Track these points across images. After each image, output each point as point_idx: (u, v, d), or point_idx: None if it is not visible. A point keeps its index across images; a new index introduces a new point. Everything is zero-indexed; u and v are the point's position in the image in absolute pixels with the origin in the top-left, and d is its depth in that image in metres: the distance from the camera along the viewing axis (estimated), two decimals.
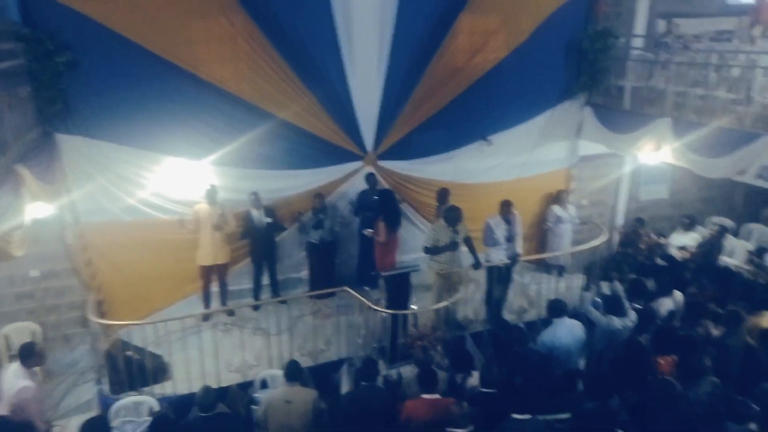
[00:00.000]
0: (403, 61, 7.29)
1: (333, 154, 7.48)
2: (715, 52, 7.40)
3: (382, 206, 7.19)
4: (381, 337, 6.19)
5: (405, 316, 6.02)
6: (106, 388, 5.73)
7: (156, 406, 5.16)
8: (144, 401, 5.22)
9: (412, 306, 6.31)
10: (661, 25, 8.87)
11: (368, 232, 7.29)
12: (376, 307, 5.96)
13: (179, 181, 6.84)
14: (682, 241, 8.15)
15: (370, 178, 7.59)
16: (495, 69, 7.81)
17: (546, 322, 5.64)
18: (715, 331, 5.53)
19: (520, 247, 7.04)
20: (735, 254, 8.15)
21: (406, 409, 4.49)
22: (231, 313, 6.97)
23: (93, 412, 5.43)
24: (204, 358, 5.72)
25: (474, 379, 5.03)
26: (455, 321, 6.64)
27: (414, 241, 7.72)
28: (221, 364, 5.83)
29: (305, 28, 6.74)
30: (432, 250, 6.49)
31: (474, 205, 7.40)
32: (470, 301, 6.77)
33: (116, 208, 6.65)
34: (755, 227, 9.05)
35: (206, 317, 6.71)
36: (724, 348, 5.18)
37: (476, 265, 6.64)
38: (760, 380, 4.53)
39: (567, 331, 5.41)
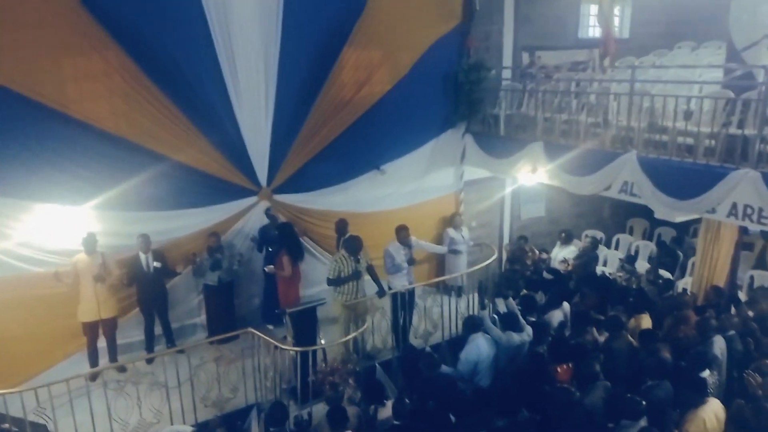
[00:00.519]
0: (291, 96, 7.32)
1: (226, 191, 7.26)
2: (574, 80, 8.19)
3: (282, 240, 7.08)
4: (290, 377, 6.02)
5: (314, 352, 5.91)
6: None
7: None
8: None
9: (321, 341, 6.22)
10: (525, 58, 9.68)
11: (269, 268, 7.12)
12: (283, 346, 5.80)
13: (53, 229, 6.26)
14: (562, 255, 8.84)
15: (269, 212, 7.44)
16: (381, 101, 8.08)
17: (454, 342, 5.84)
18: (600, 337, 6.03)
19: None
20: (608, 263, 9.01)
21: None
22: (122, 369, 6.41)
23: None
24: (96, 421, 5.20)
25: (387, 409, 5.04)
26: (365, 351, 6.63)
27: (316, 274, 7.67)
28: (116, 427, 5.33)
29: (187, 65, 6.56)
30: (335, 282, 6.50)
31: (372, 234, 7.49)
32: (377, 330, 6.81)
33: None
34: (621, 237, 10.08)
35: (94, 377, 6.11)
36: (610, 352, 5.66)
37: (380, 292, 6.72)
38: (645, 378, 4.99)
39: (485, 344, 5.67)
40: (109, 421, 5.28)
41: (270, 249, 7.34)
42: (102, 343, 6.64)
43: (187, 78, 6.58)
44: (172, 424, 5.46)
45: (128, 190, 6.49)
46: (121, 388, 5.51)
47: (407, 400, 4.86)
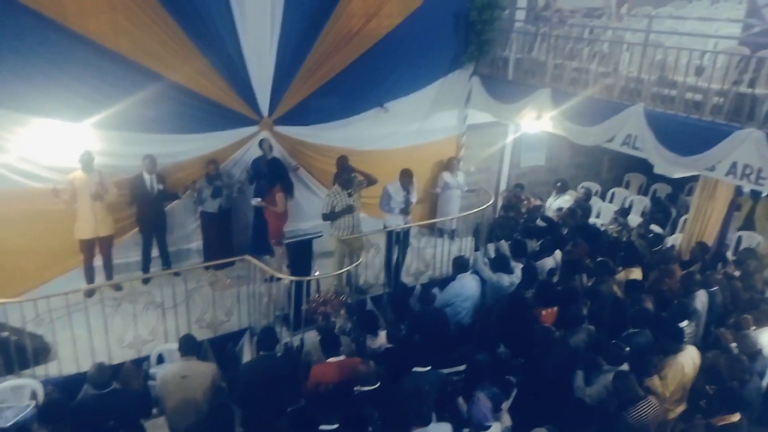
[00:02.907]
0: (297, 24, 7.11)
1: (227, 119, 7.16)
2: (588, 27, 7.99)
3: (274, 175, 7.02)
4: (284, 305, 6.18)
5: (308, 283, 6.05)
6: None
7: (39, 389, 4.79)
8: (25, 384, 4.84)
9: (315, 272, 6.34)
10: (541, 0, 9.39)
11: (257, 201, 7.06)
12: (279, 274, 5.91)
13: (52, 145, 6.22)
14: (557, 204, 8.91)
15: (263, 143, 7.37)
16: (389, 35, 7.85)
17: (443, 282, 6.00)
18: (588, 283, 6.19)
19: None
20: (602, 215, 9.09)
21: (314, 374, 4.58)
22: (119, 287, 6.55)
23: None
24: (93, 335, 5.35)
25: (378, 340, 5.23)
26: (357, 285, 6.78)
27: (312, 208, 7.69)
28: (112, 341, 5.49)
29: None
30: (329, 216, 6.56)
31: (371, 172, 7.48)
32: (371, 266, 6.93)
33: None
34: (617, 191, 10.13)
35: (91, 293, 6.25)
36: (597, 295, 5.81)
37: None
38: (626, 327, 5.16)
39: (470, 284, 5.89)
40: (105, 335, 5.43)
41: (261, 182, 7.29)
42: (98, 261, 6.74)
43: (195, 5, 6.38)
44: (167, 342, 5.63)
45: (127, 109, 6.38)
46: (117, 306, 5.65)
47: (402, 327, 5.03)
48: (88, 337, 5.35)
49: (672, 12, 8.66)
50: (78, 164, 6.26)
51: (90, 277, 6.70)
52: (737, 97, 5.83)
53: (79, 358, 5.26)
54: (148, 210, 6.82)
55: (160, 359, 5.47)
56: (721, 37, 6.59)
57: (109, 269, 6.82)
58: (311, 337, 5.66)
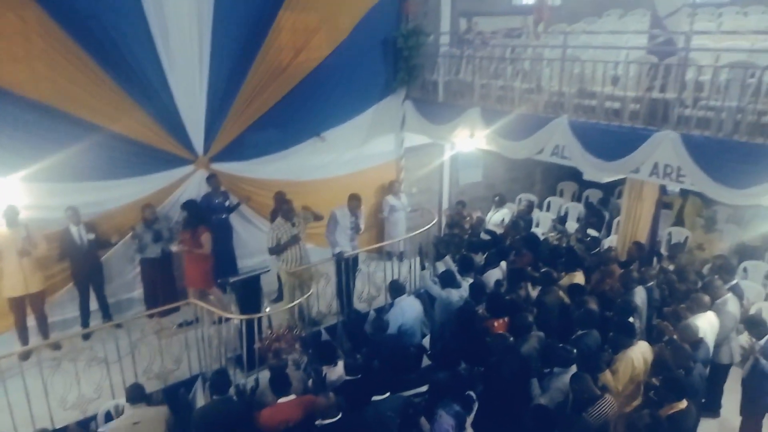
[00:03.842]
0: (226, 61, 7.12)
1: (160, 160, 7.01)
2: (509, 47, 8.36)
3: (196, 216, 6.76)
4: (236, 346, 6.01)
5: (259, 320, 5.91)
6: None
7: None
8: None
9: (265, 309, 6.22)
10: (463, 24, 9.73)
11: (177, 248, 6.81)
12: (228, 315, 5.76)
13: None
14: (497, 218, 9.17)
15: (211, 179, 7.28)
16: (320, 67, 7.98)
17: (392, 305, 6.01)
18: (534, 292, 6.36)
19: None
20: (541, 224, 9.41)
21: (262, 418, 4.44)
22: (57, 346, 6.17)
23: None
24: (32, 400, 5.01)
25: (335, 370, 5.15)
26: (310, 317, 6.69)
27: (256, 243, 7.59)
28: (54, 404, 5.14)
29: (114, 27, 6.22)
30: (275, 249, 6.51)
31: (313, 202, 7.47)
32: (322, 296, 6.87)
33: None
34: (552, 200, 10.53)
35: (26, 355, 5.87)
36: (542, 305, 5.98)
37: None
38: (575, 328, 5.32)
39: (410, 308, 5.92)
40: (45, 398, 5.10)
41: (215, 217, 7.17)
42: (32, 322, 6.37)
43: (114, 40, 6.25)
44: (114, 398, 5.34)
45: (55, 160, 6.16)
46: (57, 365, 5.32)
47: (359, 357, 4.98)
48: (26, 402, 5.00)
49: (585, 27, 9.22)
50: (2, 220, 5.94)
51: (24, 338, 6.32)
52: (651, 103, 6.23)
53: (17, 426, 4.92)
54: (80, 262, 6.54)
55: (108, 417, 5.17)
56: (631, 48, 7.06)
57: (44, 328, 6.46)
58: (266, 376, 5.50)
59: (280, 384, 4.61)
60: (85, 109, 6.30)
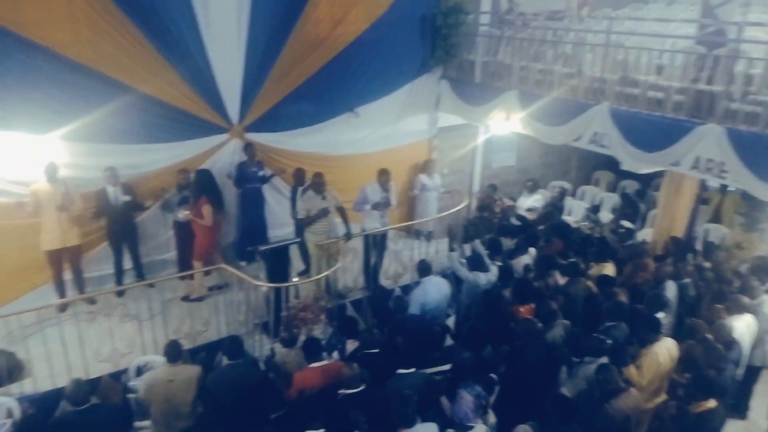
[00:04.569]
0: (264, 31, 7.12)
1: (196, 127, 7.09)
2: (551, 30, 8.18)
3: (200, 186, 6.72)
4: (263, 313, 6.13)
5: (287, 289, 6.01)
6: None
7: (15, 407, 4.65)
8: (0, 403, 4.67)
9: (294, 279, 6.31)
10: (504, 3, 9.54)
11: (184, 215, 6.78)
12: (257, 282, 5.87)
13: (15, 159, 6.06)
14: (528, 203, 9.08)
15: (248, 148, 7.33)
16: (357, 41, 7.91)
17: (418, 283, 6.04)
18: (561, 280, 6.31)
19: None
20: (573, 213, 9.29)
21: (297, 381, 4.55)
22: (93, 301, 6.39)
23: None
24: (68, 350, 5.22)
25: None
26: (336, 290, 6.77)
27: (287, 214, 7.65)
28: (89, 355, 5.36)
29: None
30: (304, 221, 6.54)
31: (344, 177, 7.53)
32: (349, 270, 6.93)
33: None
34: (587, 189, 10.37)
35: (63, 307, 6.09)
36: (568, 295, 5.94)
37: (348, 235, 6.75)
38: (601, 321, 5.28)
39: (435, 288, 5.90)
40: (81, 349, 5.30)
41: (248, 186, 7.23)
42: (69, 276, 6.58)
43: (155, 6, 6.30)
44: (145, 354, 5.53)
45: (94, 120, 6.27)
46: (92, 319, 5.53)
47: (376, 332, 5.04)
48: (63, 352, 5.22)
49: (630, 14, 8.94)
50: (43, 176, 6.12)
51: (61, 291, 6.54)
52: (697, 94, 6.03)
53: (55, 374, 5.13)
54: (115, 222, 6.69)
55: (139, 372, 5.35)
56: (678, 36, 6.84)
57: (80, 283, 6.67)
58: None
59: (313, 350, 4.71)
60: (124, 72, 6.39)
